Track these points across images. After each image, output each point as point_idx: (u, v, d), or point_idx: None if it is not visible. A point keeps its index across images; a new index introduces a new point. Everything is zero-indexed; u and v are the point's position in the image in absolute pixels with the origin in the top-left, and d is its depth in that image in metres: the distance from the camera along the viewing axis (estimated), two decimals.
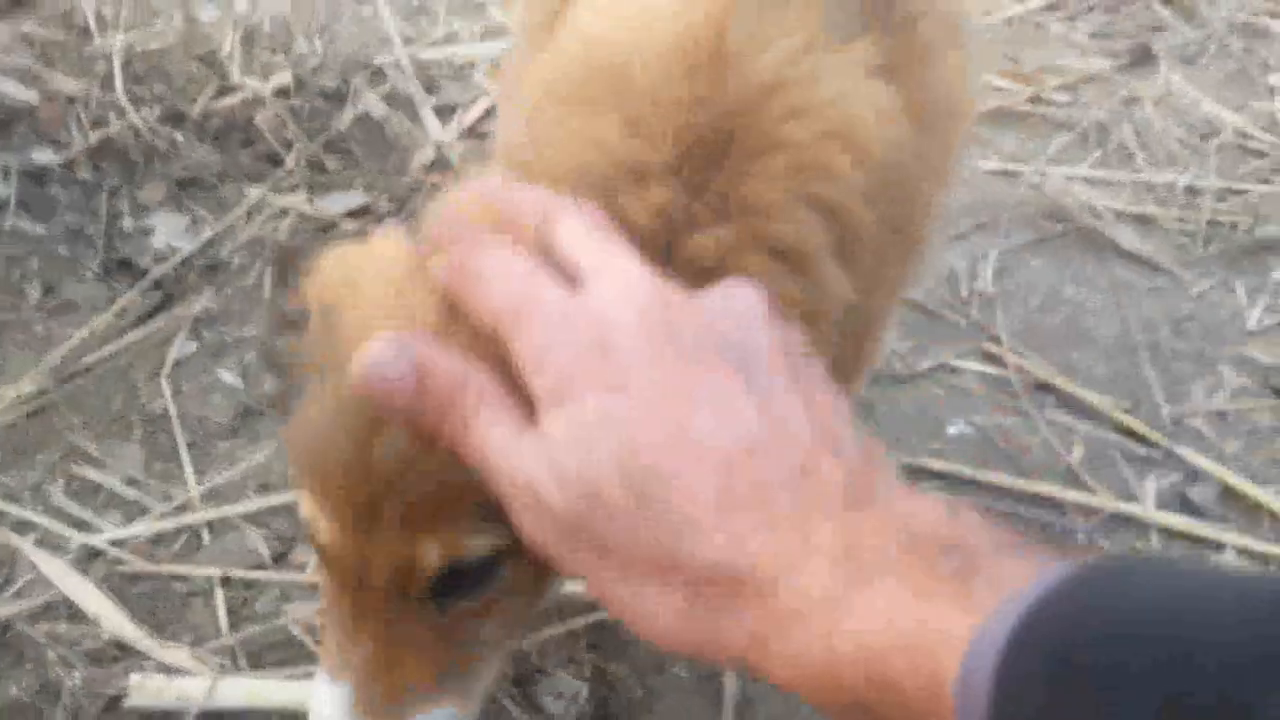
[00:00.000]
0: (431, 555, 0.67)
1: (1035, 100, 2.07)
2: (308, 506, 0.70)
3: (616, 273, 0.63)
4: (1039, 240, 1.78)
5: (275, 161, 1.73)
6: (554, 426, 0.59)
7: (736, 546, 0.55)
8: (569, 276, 0.63)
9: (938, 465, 1.43)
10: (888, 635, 0.52)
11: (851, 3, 0.87)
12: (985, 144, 1.95)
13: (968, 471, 1.43)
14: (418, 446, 0.64)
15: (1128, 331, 1.65)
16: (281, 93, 1.82)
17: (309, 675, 1.13)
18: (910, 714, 0.51)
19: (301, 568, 1.25)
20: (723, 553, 0.56)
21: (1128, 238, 1.78)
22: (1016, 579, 0.50)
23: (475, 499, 0.64)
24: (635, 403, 0.58)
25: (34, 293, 1.54)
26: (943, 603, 0.51)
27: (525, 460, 0.59)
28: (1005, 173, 1.90)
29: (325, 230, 1.64)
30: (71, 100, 1.78)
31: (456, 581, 0.69)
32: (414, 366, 0.62)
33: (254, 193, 1.67)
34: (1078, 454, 1.46)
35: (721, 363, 0.59)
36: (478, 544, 0.67)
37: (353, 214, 1.66)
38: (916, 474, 1.42)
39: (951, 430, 1.49)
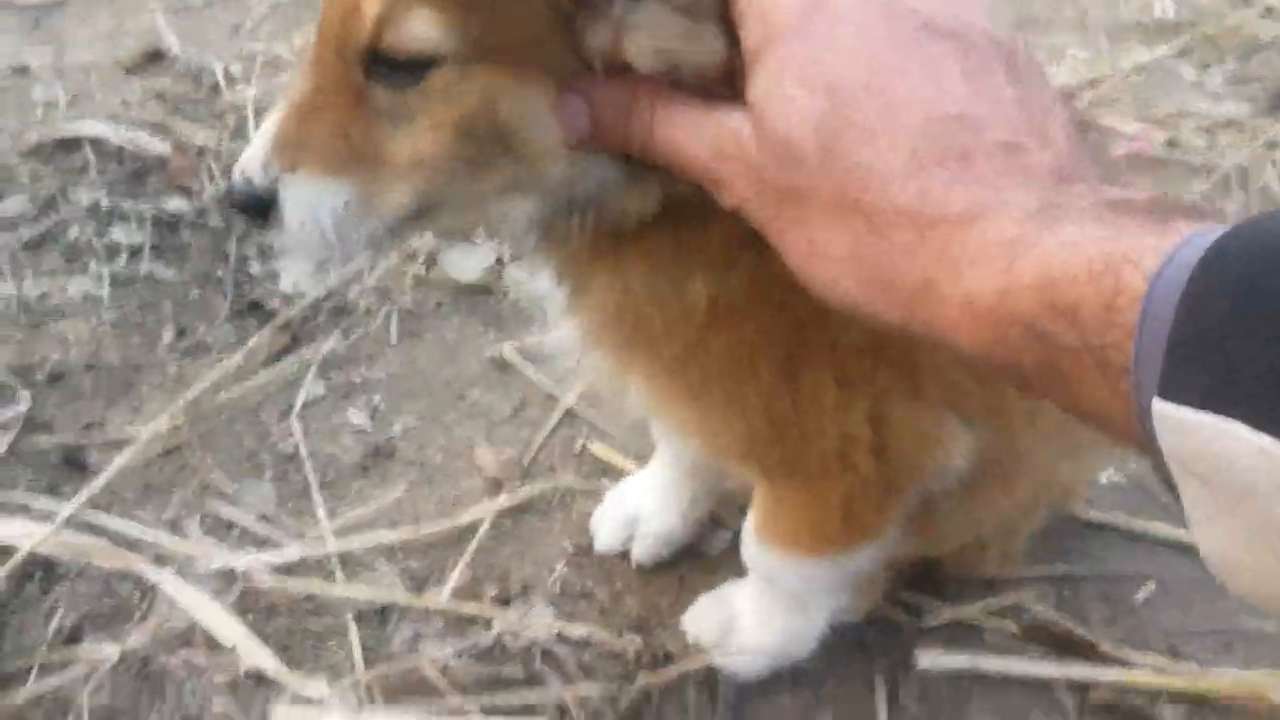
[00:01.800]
0: (368, 7, 0.65)
1: (1172, 145, 2.00)
2: None
3: None
4: None
5: None
6: (757, 80, 0.61)
7: (924, 195, 0.57)
8: None
9: (1093, 515, 1.36)
10: (1074, 261, 0.52)
11: None
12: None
13: (1122, 521, 1.36)
14: None
15: None
16: None
17: (445, 714, 1.10)
18: (1084, 335, 0.52)
19: (434, 609, 1.22)
20: (910, 199, 0.57)
21: None
22: (1191, 220, 0.52)
23: None
24: (842, 60, 0.59)
25: (168, 335, 1.54)
26: (1134, 232, 0.52)
27: (719, 121, 0.63)
28: None
29: (449, 280, 1.63)
30: (201, 151, 1.80)
31: (387, 66, 0.67)
32: (582, 111, 0.66)
33: None
34: None
35: (938, 42, 0.61)
36: (418, 31, 0.65)
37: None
38: (1070, 524, 1.35)
39: (1104, 479, 1.42)
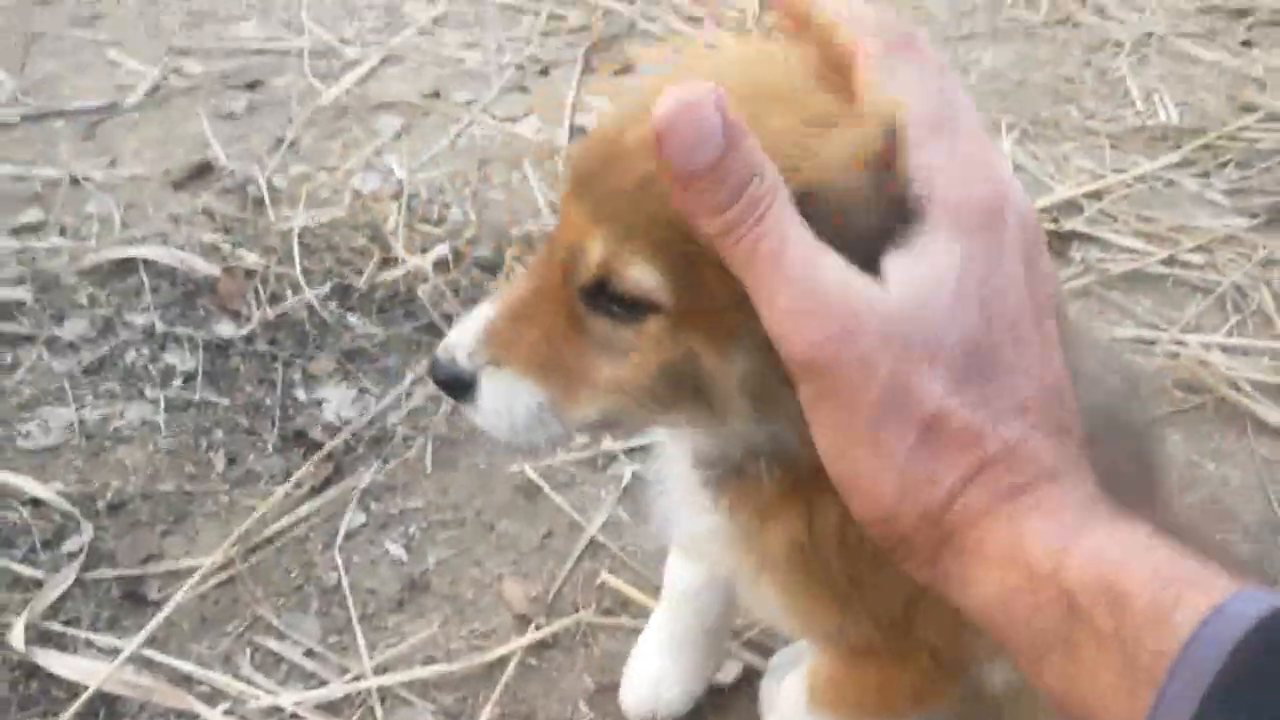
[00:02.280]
0: (595, 250, 0.74)
1: (1170, 262, 2.09)
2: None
3: None
4: (1176, 412, 1.80)
5: (436, 333, 1.83)
6: (916, 260, 0.63)
7: (1020, 440, 0.61)
8: None
9: None
10: (1143, 557, 0.56)
11: None
12: (1120, 309, 1.98)
13: None
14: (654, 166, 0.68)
15: (1271, 510, 1.66)
16: (440, 265, 1.93)
17: None
18: (1123, 627, 0.55)
19: None
20: (1006, 440, 0.61)
21: (1268, 411, 1.79)
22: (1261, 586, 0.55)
23: (664, 245, 0.71)
24: (1007, 278, 0.64)
25: (220, 464, 1.65)
26: (1206, 565, 0.56)
27: (850, 279, 0.62)
28: (1141, 340, 1.92)
29: None
30: (250, 274, 1.91)
31: (607, 299, 0.75)
32: (726, 132, 0.62)
33: (418, 367, 1.77)
34: None
35: (1043, 323, 0.66)
36: (634, 275, 0.73)
37: None
38: None
39: None
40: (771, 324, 0.64)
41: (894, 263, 0.63)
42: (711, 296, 0.71)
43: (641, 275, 0.72)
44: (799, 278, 0.62)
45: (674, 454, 0.99)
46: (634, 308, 0.75)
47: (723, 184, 0.62)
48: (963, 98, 0.71)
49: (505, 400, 0.81)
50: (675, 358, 0.76)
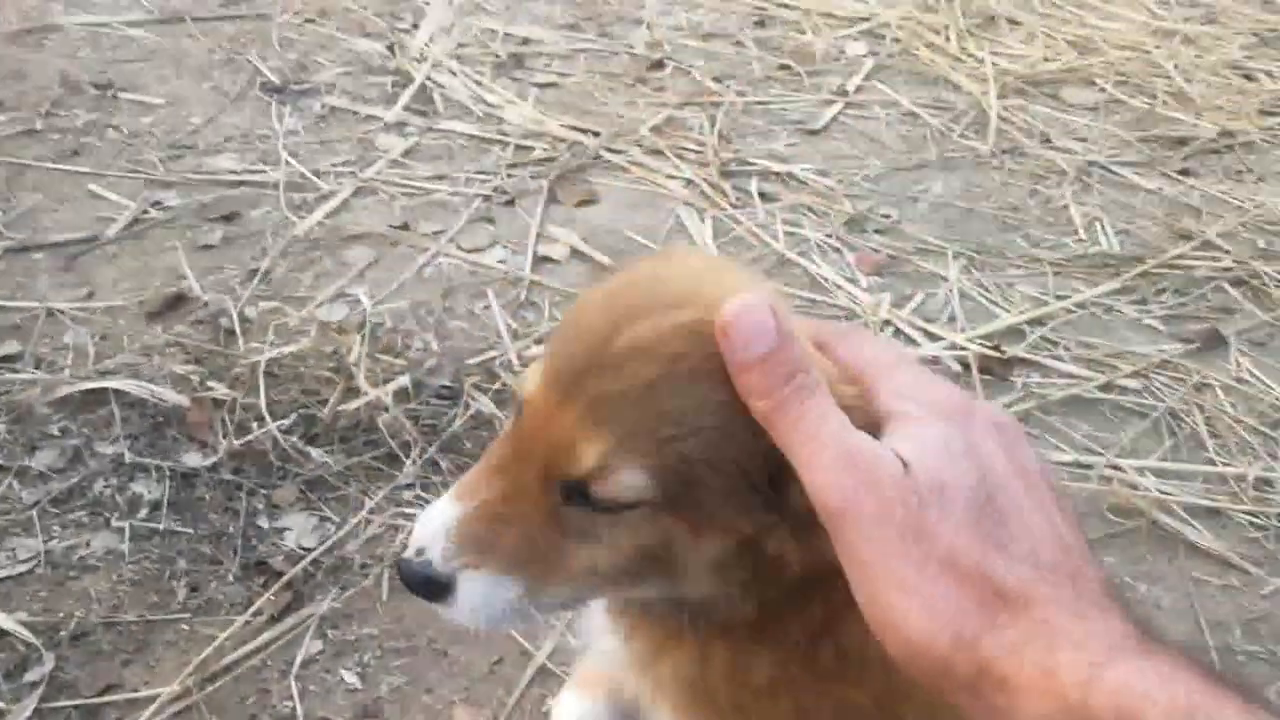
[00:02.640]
0: (587, 456, 0.77)
1: (1108, 388, 2.17)
2: (533, 369, 0.83)
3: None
4: (1111, 535, 1.87)
5: (396, 463, 1.90)
6: (913, 435, 0.73)
7: (1041, 591, 0.68)
8: None
9: None
10: (1164, 691, 0.61)
11: None
12: (1058, 434, 2.06)
13: None
14: (655, 369, 0.76)
15: (1200, 632, 1.71)
16: (401, 395, 2.01)
17: None
18: None
19: None
20: (1022, 580, 0.68)
21: (1199, 534, 1.86)
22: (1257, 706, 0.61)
23: (659, 445, 0.76)
24: (991, 456, 0.73)
25: (181, 592, 1.70)
26: (1213, 696, 0.61)
27: (867, 443, 0.72)
28: (1078, 464, 1.99)
29: None
30: (218, 404, 1.98)
31: (590, 497, 0.79)
32: (778, 330, 0.74)
33: (377, 495, 1.84)
34: None
35: (1044, 490, 0.75)
36: (628, 478, 0.77)
37: None
38: None
39: None
40: (811, 482, 0.72)
41: (888, 440, 0.74)
42: (696, 491, 0.78)
43: (634, 479, 0.77)
44: (834, 445, 0.72)
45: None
46: (617, 504, 0.79)
47: (776, 372, 0.74)
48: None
49: (484, 599, 0.83)
50: (653, 543, 0.82)
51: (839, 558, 0.72)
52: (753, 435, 0.75)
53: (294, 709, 1.56)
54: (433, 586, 0.83)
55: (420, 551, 0.83)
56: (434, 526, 0.83)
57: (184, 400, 1.99)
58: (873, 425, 0.75)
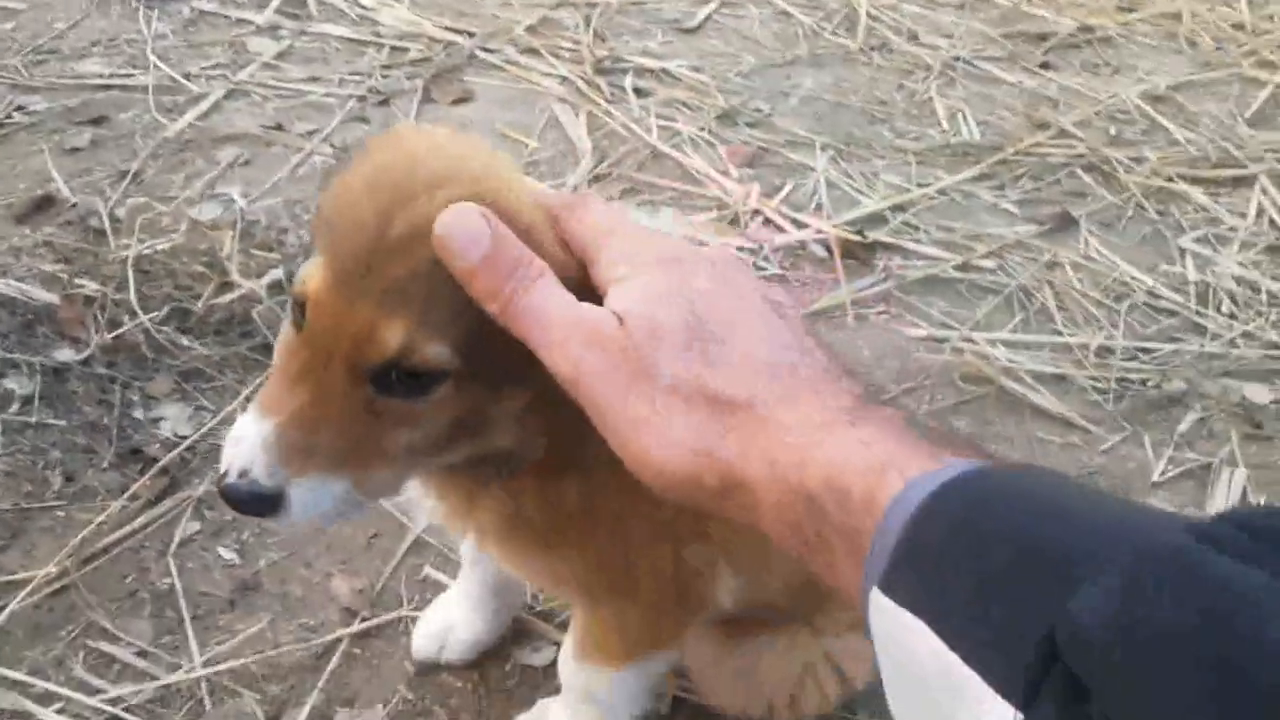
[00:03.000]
0: (393, 337, 0.80)
1: (964, 268, 2.27)
2: (309, 267, 0.84)
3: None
4: (963, 402, 1.97)
5: (271, 351, 1.92)
6: (625, 290, 0.78)
7: (758, 391, 0.73)
8: None
9: None
10: (860, 455, 0.67)
11: None
12: (915, 311, 2.15)
13: None
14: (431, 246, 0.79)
15: None
16: (275, 288, 2.03)
17: None
18: (848, 518, 0.66)
19: None
20: (746, 392, 0.73)
21: (1043, 398, 1.97)
22: (960, 455, 0.66)
23: (453, 318, 0.80)
24: (700, 291, 0.78)
25: (56, 481, 1.72)
26: (912, 448, 0.66)
27: (586, 311, 0.77)
28: (933, 338, 2.09)
29: None
30: (89, 301, 1.98)
31: (399, 377, 0.82)
32: (492, 233, 0.78)
33: (253, 384, 1.86)
34: None
35: (765, 302, 0.80)
36: (434, 352, 0.81)
37: None
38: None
39: None
40: (547, 360, 0.77)
41: (608, 303, 0.79)
42: (491, 354, 0.82)
43: (439, 351, 0.80)
44: (558, 321, 0.77)
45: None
46: (425, 379, 0.82)
47: (497, 272, 0.77)
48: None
49: (314, 502, 0.84)
50: (464, 411, 0.86)
51: (591, 419, 0.77)
52: None
53: (173, 585, 1.59)
54: (264, 503, 0.83)
55: (244, 473, 0.82)
56: (250, 444, 0.82)
57: (54, 298, 1.99)
58: (595, 291, 0.80)
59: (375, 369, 0.81)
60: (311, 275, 0.83)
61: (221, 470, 0.83)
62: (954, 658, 0.57)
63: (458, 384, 0.83)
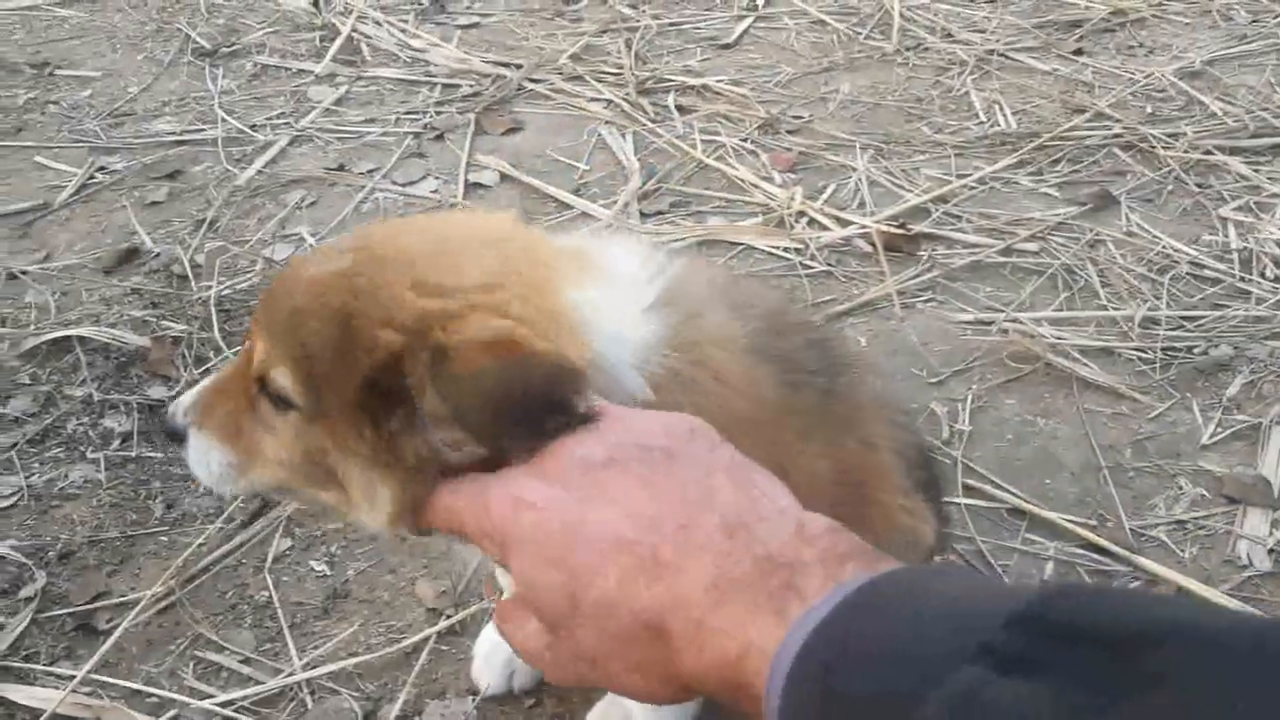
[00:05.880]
0: (258, 355, 1.00)
1: (1007, 252, 2.33)
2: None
3: None
4: (1012, 380, 2.03)
5: None
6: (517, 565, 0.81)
7: (639, 604, 0.74)
8: None
9: None
10: (729, 647, 0.70)
11: None
12: (962, 297, 2.21)
13: None
14: (300, 301, 0.95)
15: (1094, 455, 1.88)
16: None
17: None
18: (756, 706, 0.69)
19: None
20: (637, 612, 0.74)
21: (1091, 371, 2.02)
22: (817, 593, 0.68)
23: (298, 363, 0.95)
24: (557, 546, 0.78)
25: (158, 508, 1.85)
26: (765, 611, 0.69)
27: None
28: (979, 321, 2.15)
29: None
30: (176, 341, 2.12)
31: (264, 389, 1.00)
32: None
33: None
34: (1048, 571, 1.68)
35: (628, 466, 0.80)
36: (277, 377, 0.98)
37: None
38: None
39: (937, 559, 1.71)
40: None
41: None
42: (330, 410, 0.96)
43: (281, 378, 0.98)
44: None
45: None
46: (281, 401, 1.00)
47: None
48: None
49: (202, 456, 1.08)
50: (311, 448, 1.00)
51: None
52: (357, 374, 0.92)
53: (270, 596, 1.70)
54: (173, 434, 1.09)
55: (175, 407, 1.09)
56: (190, 392, 1.10)
57: (144, 341, 2.12)
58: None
59: (256, 373, 1.01)
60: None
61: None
62: None
63: (306, 423, 0.99)
